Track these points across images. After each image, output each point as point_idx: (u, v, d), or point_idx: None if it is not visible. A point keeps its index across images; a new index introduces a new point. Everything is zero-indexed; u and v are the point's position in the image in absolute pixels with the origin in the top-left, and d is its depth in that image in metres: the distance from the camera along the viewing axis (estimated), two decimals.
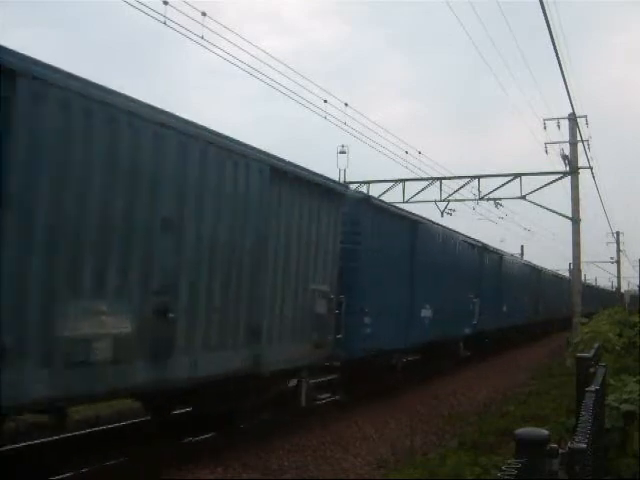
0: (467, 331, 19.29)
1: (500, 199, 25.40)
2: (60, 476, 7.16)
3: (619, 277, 63.36)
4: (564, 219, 22.98)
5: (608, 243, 60.09)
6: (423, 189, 25.27)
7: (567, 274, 45.12)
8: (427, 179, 24.78)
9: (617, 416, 6.11)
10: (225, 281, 8.15)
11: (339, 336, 10.94)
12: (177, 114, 7.46)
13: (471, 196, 25.13)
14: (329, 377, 11.78)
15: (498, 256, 24.03)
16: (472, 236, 21.15)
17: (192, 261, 7.57)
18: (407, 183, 25.34)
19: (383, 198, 21.78)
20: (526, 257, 43.07)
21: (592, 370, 6.25)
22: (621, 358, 11.15)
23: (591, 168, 23.98)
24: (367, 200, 12.79)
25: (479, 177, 24.91)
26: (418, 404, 13.69)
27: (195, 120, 7.76)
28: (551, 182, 23.29)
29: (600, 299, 58.99)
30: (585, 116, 24.39)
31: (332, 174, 22.66)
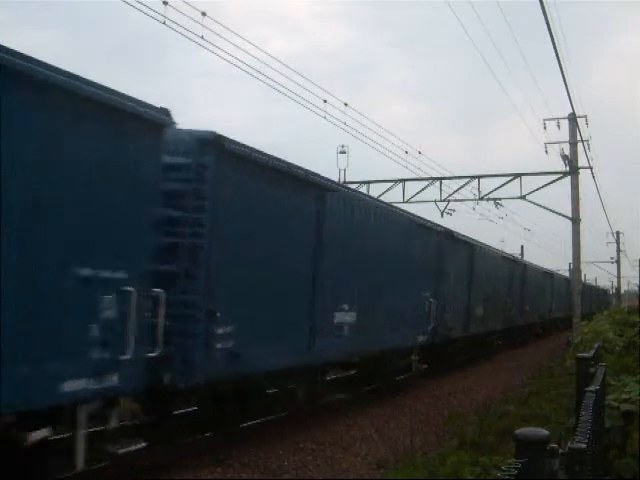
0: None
1: (500, 199, 25.43)
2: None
3: (619, 277, 63.41)
4: (564, 219, 23.04)
5: (608, 243, 60.17)
6: (423, 189, 25.31)
7: (567, 274, 45.06)
8: (427, 179, 24.80)
9: (617, 416, 6.11)
10: None
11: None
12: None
13: (471, 196, 25.17)
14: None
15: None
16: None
17: None
18: (407, 183, 25.38)
19: (383, 198, 21.75)
20: (526, 257, 42.97)
21: (592, 370, 6.26)
22: (621, 358, 11.14)
23: (591, 168, 24.10)
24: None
25: (479, 177, 24.94)
26: (418, 404, 13.69)
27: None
28: (551, 182, 23.33)
29: (595, 300, 58.29)
30: (585, 116, 24.48)
31: (332, 174, 22.68)
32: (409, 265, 14.66)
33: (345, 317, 11.52)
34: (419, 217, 16.47)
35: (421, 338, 15.55)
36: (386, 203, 15.48)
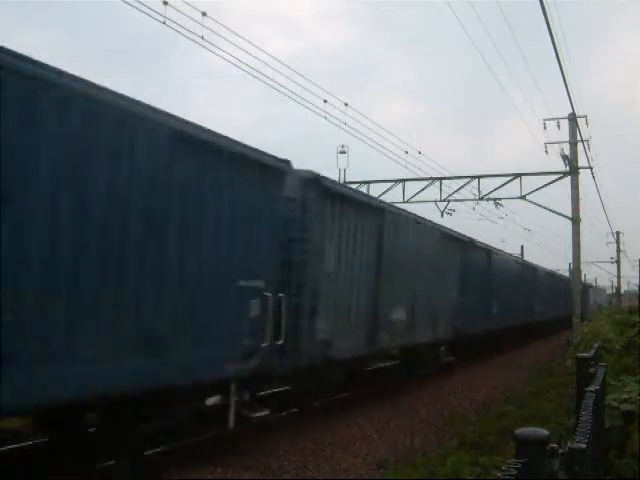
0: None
1: (500, 199, 25.37)
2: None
3: (619, 277, 63.36)
4: (564, 219, 23.00)
5: (608, 243, 60.10)
6: (423, 189, 25.27)
7: (567, 274, 45.02)
8: (427, 179, 24.77)
9: (617, 416, 6.10)
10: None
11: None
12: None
13: (471, 196, 25.13)
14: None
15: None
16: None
17: None
18: (407, 183, 25.34)
19: (383, 198, 21.77)
20: (526, 257, 43.01)
21: (592, 370, 6.25)
22: (621, 358, 11.12)
23: (591, 168, 24.03)
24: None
25: (479, 177, 24.90)
26: (418, 404, 13.69)
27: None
28: (551, 182, 23.30)
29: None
30: (585, 116, 24.41)
31: (332, 174, 22.71)
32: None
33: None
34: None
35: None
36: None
